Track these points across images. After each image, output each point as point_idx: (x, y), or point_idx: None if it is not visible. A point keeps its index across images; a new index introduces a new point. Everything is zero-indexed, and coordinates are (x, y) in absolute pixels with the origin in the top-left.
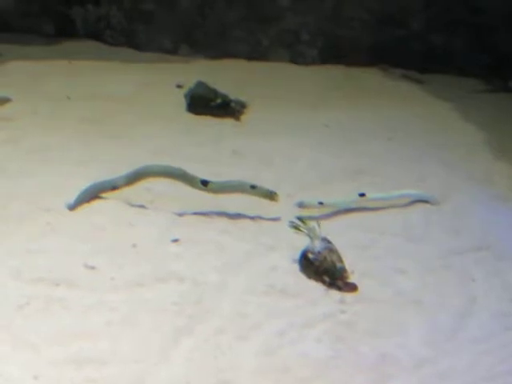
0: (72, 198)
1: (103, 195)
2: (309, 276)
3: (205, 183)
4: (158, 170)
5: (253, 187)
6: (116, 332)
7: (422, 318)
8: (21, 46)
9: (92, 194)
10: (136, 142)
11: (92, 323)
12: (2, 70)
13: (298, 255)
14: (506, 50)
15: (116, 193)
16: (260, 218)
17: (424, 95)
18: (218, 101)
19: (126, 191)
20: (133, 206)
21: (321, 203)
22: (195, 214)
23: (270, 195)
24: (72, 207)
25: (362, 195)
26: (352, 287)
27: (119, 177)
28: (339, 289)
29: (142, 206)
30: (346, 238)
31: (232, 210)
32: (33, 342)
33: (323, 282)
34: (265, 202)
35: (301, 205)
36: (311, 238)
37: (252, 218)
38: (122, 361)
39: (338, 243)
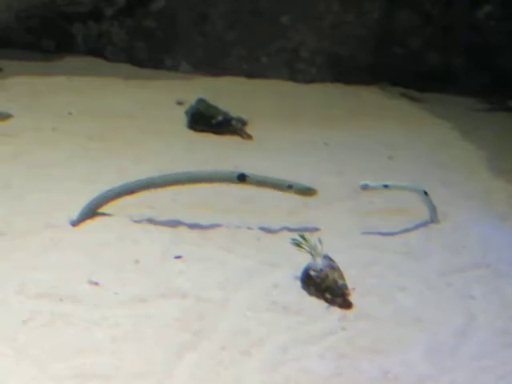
0: (75, 214)
1: (106, 211)
2: (310, 293)
3: (242, 178)
4: (190, 177)
5: (290, 187)
6: (119, 347)
7: (422, 335)
8: (22, 62)
9: (96, 207)
10: (138, 158)
11: (95, 339)
12: (3, 85)
13: (300, 272)
14: (505, 68)
15: (119, 205)
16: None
17: (423, 114)
18: (219, 118)
19: (129, 207)
20: (136, 222)
21: (386, 186)
22: (198, 229)
23: (308, 192)
24: (75, 223)
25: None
26: (348, 305)
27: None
28: (339, 306)
29: (144, 222)
30: (348, 256)
31: (235, 223)
32: (37, 357)
33: (325, 299)
34: (269, 217)
35: (365, 187)
36: (313, 255)
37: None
38: (125, 376)
39: (340, 261)
